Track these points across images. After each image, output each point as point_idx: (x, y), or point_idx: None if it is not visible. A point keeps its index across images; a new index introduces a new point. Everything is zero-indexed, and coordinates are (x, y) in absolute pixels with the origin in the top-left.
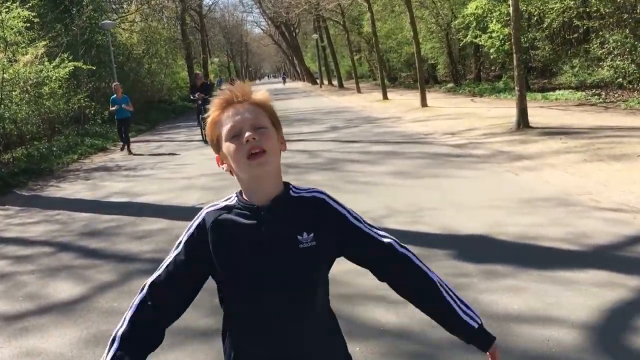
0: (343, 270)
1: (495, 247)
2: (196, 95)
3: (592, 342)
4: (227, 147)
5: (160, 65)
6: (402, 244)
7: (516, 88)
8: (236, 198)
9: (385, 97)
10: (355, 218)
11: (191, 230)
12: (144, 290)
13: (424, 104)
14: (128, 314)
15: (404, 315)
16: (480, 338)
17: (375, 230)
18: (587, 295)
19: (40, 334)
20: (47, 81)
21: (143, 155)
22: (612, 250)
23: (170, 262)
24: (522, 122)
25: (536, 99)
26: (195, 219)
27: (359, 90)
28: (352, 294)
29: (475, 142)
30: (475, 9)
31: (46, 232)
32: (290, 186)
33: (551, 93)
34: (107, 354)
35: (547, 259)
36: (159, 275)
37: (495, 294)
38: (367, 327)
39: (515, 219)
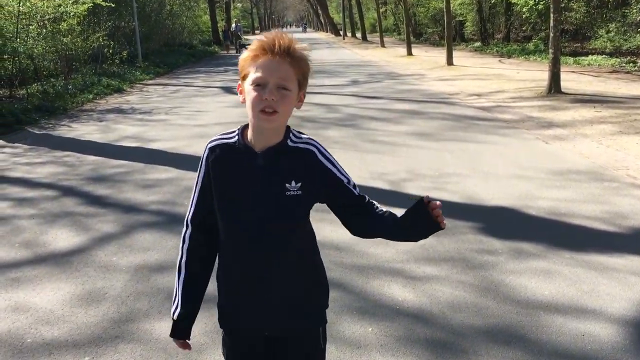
0: (356, 238)
1: (524, 223)
2: None
3: (634, 341)
4: (249, 90)
5: (182, 7)
6: (368, 197)
7: (550, 50)
8: (237, 136)
9: (409, 53)
10: (341, 172)
11: (202, 166)
12: (187, 226)
13: (449, 62)
14: (183, 247)
15: (422, 293)
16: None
17: (353, 186)
18: (626, 284)
19: (32, 286)
20: (65, 17)
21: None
22: None
23: (195, 195)
24: (554, 87)
25: (567, 63)
26: (203, 153)
27: (382, 45)
28: (365, 265)
29: (503, 105)
30: None
31: (52, 174)
32: (291, 134)
33: (583, 58)
34: (178, 281)
35: (580, 240)
36: (191, 210)
37: (523, 276)
38: (382, 306)
39: (545, 192)
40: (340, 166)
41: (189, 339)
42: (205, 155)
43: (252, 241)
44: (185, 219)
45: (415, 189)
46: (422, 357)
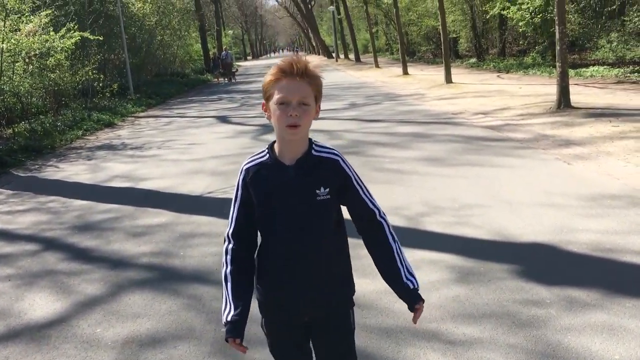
0: (379, 290)
1: (566, 262)
2: None
3: None
4: (274, 109)
5: (173, 37)
6: (383, 214)
7: (558, 64)
8: (267, 155)
9: (405, 72)
10: (358, 183)
11: (240, 185)
12: (229, 241)
13: (448, 79)
14: (227, 258)
15: None
16: (411, 298)
17: (369, 198)
18: None
19: None
20: (53, 52)
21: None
22: None
23: (235, 212)
24: (564, 102)
25: (569, 76)
26: (239, 175)
27: (377, 65)
28: (393, 326)
29: (512, 123)
30: None
31: (34, 224)
32: (314, 145)
33: (584, 69)
34: (226, 288)
35: (638, 283)
36: (231, 226)
37: (584, 335)
38: None
39: (582, 223)
40: (358, 176)
41: (242, 341)
42: (242, 177)
43: (291, 243)
44: (226, 234)
45: (435, 225)
46: None
